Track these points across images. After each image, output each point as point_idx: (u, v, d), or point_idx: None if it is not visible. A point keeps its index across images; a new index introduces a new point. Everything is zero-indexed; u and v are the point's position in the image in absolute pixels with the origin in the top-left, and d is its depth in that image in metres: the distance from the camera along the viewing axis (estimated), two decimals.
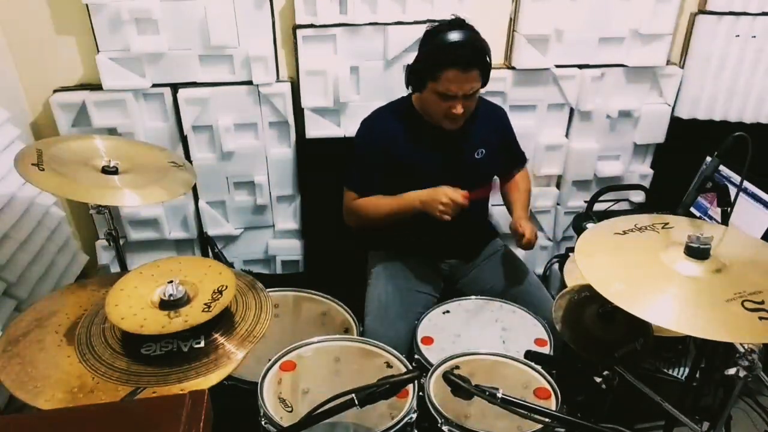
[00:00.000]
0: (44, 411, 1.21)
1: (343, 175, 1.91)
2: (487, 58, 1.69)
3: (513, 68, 2.21)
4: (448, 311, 1.84)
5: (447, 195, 1.68)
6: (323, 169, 2.20)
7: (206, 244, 2.34)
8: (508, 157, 2.03)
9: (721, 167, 1.41)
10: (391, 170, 1.83)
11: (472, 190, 1.73)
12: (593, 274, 1.15)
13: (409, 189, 1.78)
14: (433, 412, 1.39)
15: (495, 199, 2.14)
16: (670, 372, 1.99)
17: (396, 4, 2.04)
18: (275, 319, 1.78)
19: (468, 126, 1.83)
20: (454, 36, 1.64)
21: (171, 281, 1.26)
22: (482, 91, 2.11)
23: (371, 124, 1.89)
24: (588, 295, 1.46)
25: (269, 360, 1.50)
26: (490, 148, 1.90)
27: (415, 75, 1.73)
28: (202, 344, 1.24)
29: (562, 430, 1.40)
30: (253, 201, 2.32)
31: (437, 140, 1.83)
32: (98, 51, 1.98)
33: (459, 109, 1.70)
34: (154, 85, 2.06)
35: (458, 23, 1.68)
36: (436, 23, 1.71)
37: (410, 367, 1.54)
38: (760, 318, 1.02)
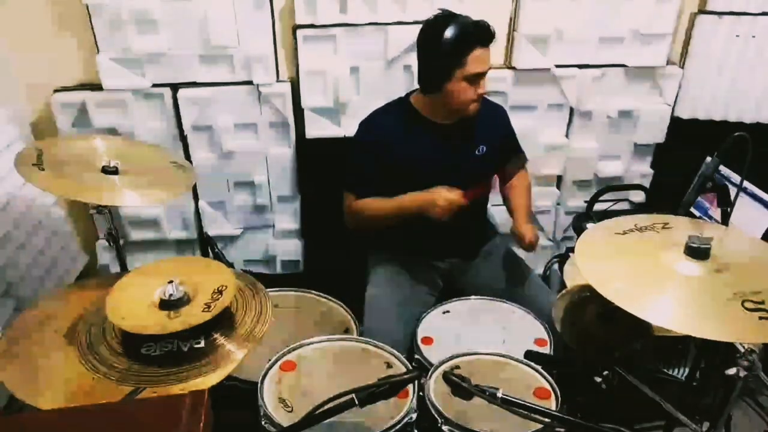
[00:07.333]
0: (44, 411, 1.20)
1: (343, 177, 1.91)
2: None
3: (513, 68, 2.21)
4: (448, 311, 1.84)
5: (443, 197, 1.68)
6: (323, 169, 2.20)
7: (206, 244, 2.34)
8: (509, 155, 2.03)
9: (721, 167, 1.41)
10: (390, 171, 1.82)
11: (472, 188, 1.73)
12: (593, 274, 1.15)
13: (410, 188, 1.78)
14: (433, 412, 1.39)
15: (495, 198, 2.14)
16: (670, 372, 1.99)
17: (396, 4, 2.03)
18: (275, 319, 1.77)
19: (468, 123, 1.83)
20: (467, 20, 1.70)
21: (171, 281, 1.26)
22: None
23: (369, 125, 1.88)
24: (588, 295, 1.46)
25: (269, 360, 1.50)
26: (490, 146, 1.90)
27: (438, 70, 1.72)
28: (202, 344, 1.25)
29: (562, 430, 1.40)
30: (253, 201, 2.32)
31: (437, 138, 1.83)
32: (98, 51, 1.98)
33: (485, 87, 1.75)
34: (154, 85, 2.06)
35: (451, 13, 1.72)
36: (429, 20, 1.73)
37: (410, 367, 1.54)
38: (760, 318, 1.02)
